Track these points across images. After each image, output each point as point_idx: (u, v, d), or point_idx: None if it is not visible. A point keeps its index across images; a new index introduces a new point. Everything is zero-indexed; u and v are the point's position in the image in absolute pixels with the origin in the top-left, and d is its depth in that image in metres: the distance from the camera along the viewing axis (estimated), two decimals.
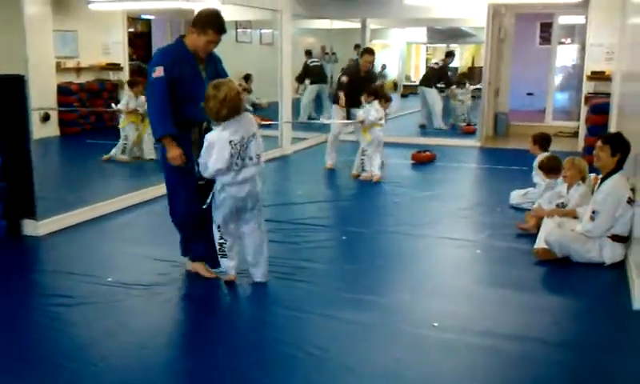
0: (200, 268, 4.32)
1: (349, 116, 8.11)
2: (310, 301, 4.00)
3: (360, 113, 7.74)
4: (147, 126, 8.33)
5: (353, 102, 8.03)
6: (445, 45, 16.54)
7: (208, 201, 4.02)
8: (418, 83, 13.18)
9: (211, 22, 4.00)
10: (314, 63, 12.56)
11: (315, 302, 3.97)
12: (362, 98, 7.71)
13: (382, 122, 7.63)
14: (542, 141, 6.37)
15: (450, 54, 12.89)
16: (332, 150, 8.44)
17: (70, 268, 4.53)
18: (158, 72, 3.93)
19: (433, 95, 12.15)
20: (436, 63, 12.77)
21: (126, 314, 3.82)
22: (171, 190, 4.23)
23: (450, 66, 13.01)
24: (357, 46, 11.84)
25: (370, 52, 8.29)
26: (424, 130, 12.29)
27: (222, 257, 4.18)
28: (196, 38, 4.01)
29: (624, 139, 4.66)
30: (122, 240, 5.42)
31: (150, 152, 8.38)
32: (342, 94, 8.07)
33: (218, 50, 4.23)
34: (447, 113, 12.67)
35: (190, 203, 4.13)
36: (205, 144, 3.84)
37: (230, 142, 3.79)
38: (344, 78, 8.19)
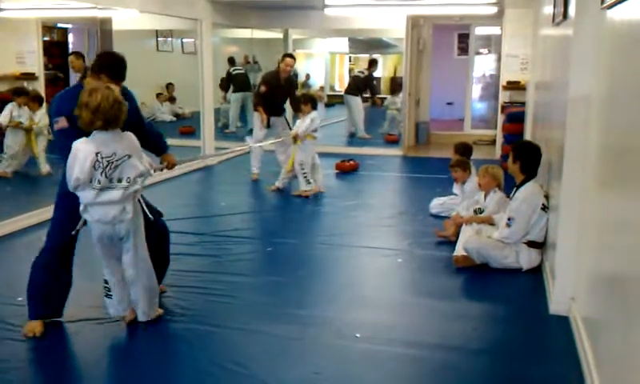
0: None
1: (269, 125, 8.00)
2: (230, 315, 3.92)
3: (297, 123, 7.53)
4: (37, 142, 8.00)
5: (273, 111, 7.95)
6: (367, 55, 16.69)
7: (78, 227, 3.61)
8: (343, 92, 13.11)
9: (104, 66, 3.61)
10: (237, 71, 12.33)
11: (236, 317, 3.90)
12: (302, 107, 7.41)
13: (317, 133, 7.43)
14: (464, 150, 6.51)
15: (373, 63, 12.89)
16: (256, 160, 8.32)
17: None
18: (62, 123, 3.51)
19: (357, 104, 12.16)
20: (361, 72, 12.78)
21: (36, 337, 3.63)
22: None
23: (374, 74, 13.08)
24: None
25: (290, 56, 8.11)
26: (353, 138, 12.16)
27: (105, 296, 3.76)
28: (92, 83, 3.56)
29: (527, 147, 4.87)
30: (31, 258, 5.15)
31: (45, 167, 8.03)
32: (261, 109, 7.92)
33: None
34: (381, 122, 12.72)
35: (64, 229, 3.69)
36: (71, 153, 3.37)
37: (97, 153, 3.32)
38: (262, 88, 8.02)
